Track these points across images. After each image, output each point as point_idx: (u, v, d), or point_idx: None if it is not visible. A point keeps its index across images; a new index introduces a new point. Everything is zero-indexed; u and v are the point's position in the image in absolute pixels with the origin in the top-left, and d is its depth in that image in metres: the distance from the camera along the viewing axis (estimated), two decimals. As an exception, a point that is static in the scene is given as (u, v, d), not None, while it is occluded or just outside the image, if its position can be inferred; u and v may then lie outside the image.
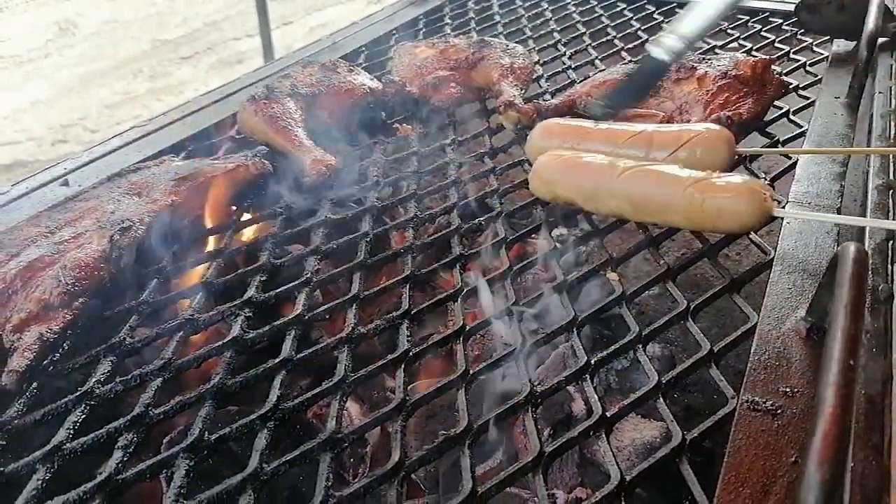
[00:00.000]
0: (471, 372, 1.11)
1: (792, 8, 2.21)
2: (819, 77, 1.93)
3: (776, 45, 2.18)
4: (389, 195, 1.65)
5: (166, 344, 1.19)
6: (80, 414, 1.05)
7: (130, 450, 0.99)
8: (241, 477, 0.94)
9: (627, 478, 0.92)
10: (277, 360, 1.14)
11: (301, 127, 1.73)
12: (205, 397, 1.07)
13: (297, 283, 1.32)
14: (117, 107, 6.27)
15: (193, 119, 1.94)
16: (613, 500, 0.90)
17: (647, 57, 1.81)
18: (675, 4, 2.53)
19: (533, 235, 1.49)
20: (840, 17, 2.05)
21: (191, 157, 1.74)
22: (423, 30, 2.56)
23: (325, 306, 1.27)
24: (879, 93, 1.71)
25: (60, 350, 1.15)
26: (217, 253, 1.43)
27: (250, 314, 1.26)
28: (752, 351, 1.03)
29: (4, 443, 1.02)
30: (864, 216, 1.27)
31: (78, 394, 1.08)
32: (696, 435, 0.96)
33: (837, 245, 1.23)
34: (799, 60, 2.04)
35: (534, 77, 2.07)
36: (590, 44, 2.31)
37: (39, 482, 0.95)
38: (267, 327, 1.22)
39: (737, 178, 1.28)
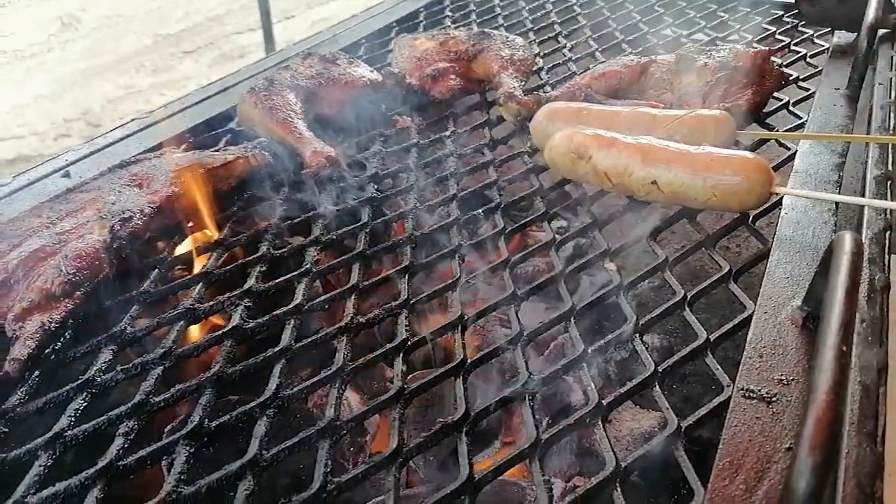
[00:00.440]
0: (468, 361, 1.11)
1: (793, -1, 2.21)
2: (819, 68, 1.93)
3: (777, 36, 2.17)
4: (389, 186, 1.66)
5: (167, 333, 1.20)
6: (81, 402, 1.06)
7: (131, 437, 1.01)
8: (241, 463, 0.95)
9: (623, 465, 0.92)
10: (277, 349, 1.15)
11: (301, 119, 1.73)
12: (205, 385, 1.08)
13: (296, 273, 1.33)
14: (120, 101, 6.28)
15: (194, 111, 1.95)
16: (609, 487, 0.91)
17: None
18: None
19: (532, 226, 1.50)
20: (841, 7, 2.04)
21: (191, 148, 1.75)
22: (424, 22, 2.56)
23: (325, 296, 1.28)
24: (879, 84, 1.71)
25: (62, 339, 1.17)
26: (217, 244, 1.44)
27: (250, 304, 1.26)
28: (747, 339, 1.04)
29: (7, 430, 1.03)
30: (862, 206, 1.27)
31: (79, 382, 1.09)
32: (691, 423, 0.97)
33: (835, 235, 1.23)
34: (800, 52, 2.04)
35: (534, 69, 2.07)
36: (590, 35, 2.31)
37: (41, 468, 0.96)
38: (267, 317, 1.23)
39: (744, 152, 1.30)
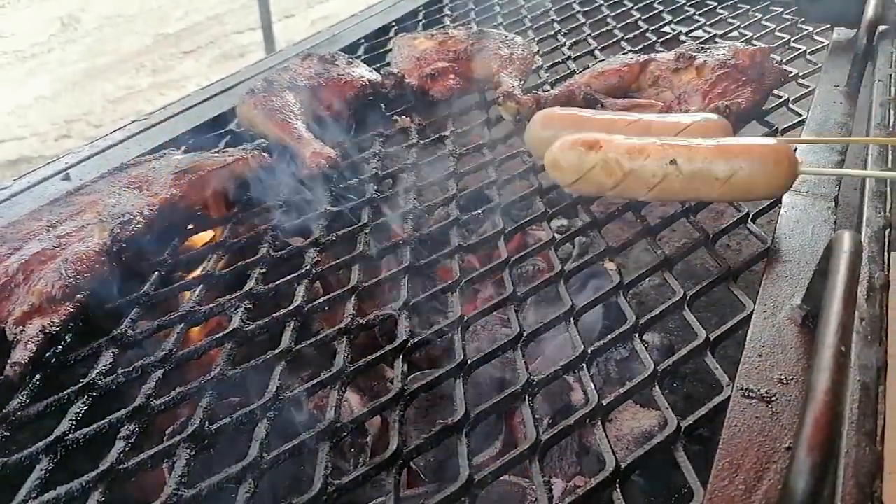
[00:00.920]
0: (468, 361, 1.11)
1: (792, -4, 2.20)
2: (819, 65, 1.92)
3: (776, 33, 2.17)
4: (389, 187, 1.66)
5: (167, 336, 1.20)
6: (82, 405, 1.07)
7: (132, 440, 1.01)
8: (242, 466, 0.95)
9: (623, 464, 0.92)
10: (277, 351, 1.15)
11: (300, 119, 1.73)
12: (205, 388, 1.08)
13: (296, 274, 1.33)
14: (120, 101, 6.29)
15: (193, 113, 1.95)
16: (609, 487, 0.91)
17: None
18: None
19: (532, 226, 1.50)
20: (840, 4, 2.04)
21: (191, 150, 1.75)
22: (423, 21, 2.56)
23: (324, 297, 1.28)
24: (879, 81, 1.71)
25: (63, 342, 1.17)
26: (217, 245, 1.44)
27: (250, 306, 1.27)
28: (747, 339, 1.04)
29: (8, 434, 1.03)
30: (862, 204, 1.27)
31: (80, 385, 1.10)
32: (690, 422, 0.97)
33: (834, 234, 1.23)
34: (799, 49, 2.03)
35: (533, 68, 2.07)
36: (589, 34, 2.31)
37: (43, 472, 0.96)
38: (267, 318, 1.23)
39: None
